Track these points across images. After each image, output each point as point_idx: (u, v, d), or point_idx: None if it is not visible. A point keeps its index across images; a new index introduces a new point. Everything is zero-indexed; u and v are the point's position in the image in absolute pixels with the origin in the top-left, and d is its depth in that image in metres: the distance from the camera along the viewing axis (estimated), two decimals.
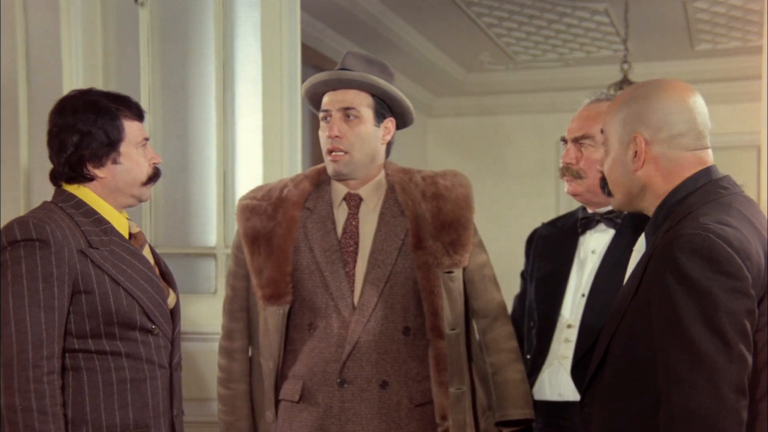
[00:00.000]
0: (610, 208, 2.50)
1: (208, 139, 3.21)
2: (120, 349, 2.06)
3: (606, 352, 1.83)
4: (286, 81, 3.13)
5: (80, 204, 2.09)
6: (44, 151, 2.15)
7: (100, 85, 3.13)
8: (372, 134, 2.42)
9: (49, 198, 2.15)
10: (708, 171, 1.82)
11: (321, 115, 2.45)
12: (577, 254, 2.54)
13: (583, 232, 2.54)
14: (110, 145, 2.09)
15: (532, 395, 2.49)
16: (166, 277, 2.25)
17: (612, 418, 1.81)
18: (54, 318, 1.96)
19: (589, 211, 2.55)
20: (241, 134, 3.19)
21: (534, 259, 2.66)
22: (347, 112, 2.39)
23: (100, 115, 2.08)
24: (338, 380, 2.36)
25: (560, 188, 7.18)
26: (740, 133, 5.91)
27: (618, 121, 1.86)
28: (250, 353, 2.51)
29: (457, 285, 2.43)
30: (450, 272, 2.41)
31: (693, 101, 1.83)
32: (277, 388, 2.43)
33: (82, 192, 2.11)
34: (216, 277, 3.17)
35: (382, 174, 2.50)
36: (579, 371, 2.31)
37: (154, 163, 2.19)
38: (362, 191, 2.46)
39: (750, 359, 1.64)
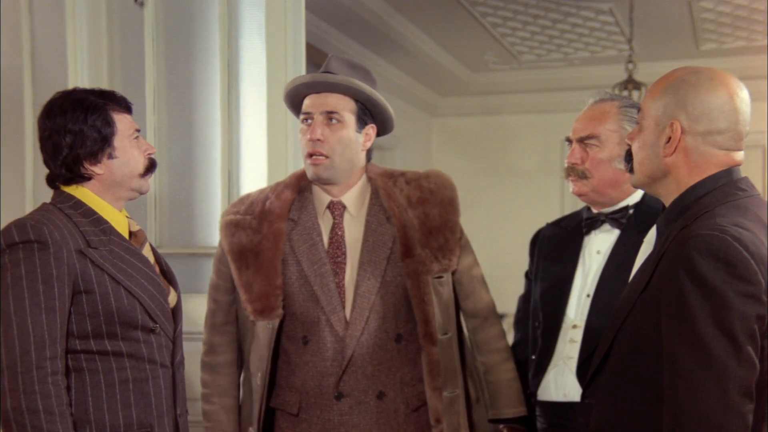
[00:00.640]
0: (615, 208, 2.50)
1: (213, 139, 3.21)
2: (122, 349, 2.05)
3: (611, 346, 1.83)
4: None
5: (79, 204, 2.09)
6: None
7: (105, 86, 3.14)
8: (353, 140, 2.39)
9: None
10: (730, 171, 1.80)
11: (301, 117, 2.41)
12: (582, 254, 2.53)
13: (588, 232, 2.54)
14: (104, 141, 2.09)
15: (524, 392, 2.52)
16: (167, 275, 2.25)
17: (613, 411, 1.81)
18: (55, 319, 1.96)
19: (594, 211, 2.55)
20: (246, 134, 3.19)
21: (538, 259, 2.66)
22: (330, 116, 2.36)
23: (89, 112, 2.07)
24: (335, 394, 2.35)
25: (565, 188, 7.18)
26: None
27: (660, 101, 1.82)
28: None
29: (447, 289, 2.43)
30: (440, 277, 2.40)
31: (740, 101, 1.80)
32: (268, 400, 2.41)
33: (81, 192, 2.11)
34: None
35: (364, 179, 2.46)
36: (584, 371, 2.31)
37: (149, 154, 2.18)
38: (345, 198, 2.43)
39: (758, 364, 1.64)
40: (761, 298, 1.64)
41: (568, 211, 3.11)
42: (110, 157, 2.11)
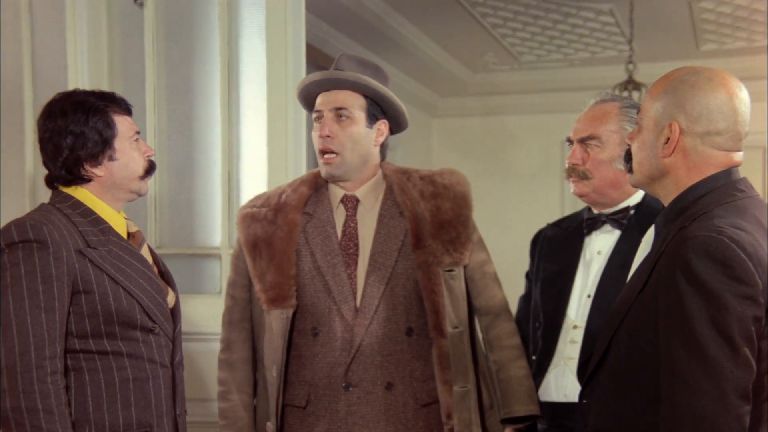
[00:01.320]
0: (616, 208, 2.50)
1: (213, 140, 3.21)
2: (121, 349, 2.06)
3: (609, 346, 1.83)
4: (290, 81, 3.12)
5: (77, 204, 2.09)
6: None
7: (105, 86, 3.14)
8: (364, 135, 2.42)
9: None
10: (729, 172, 1.80)
11: (314, 115, 2.46)
12: (582, 255, 2.53)
13: (589, 232, 2.54)
14: (104, 143, 2.09)
15: (536, 392, 2.49)
16: (165, 276, 2.25)
17: (611, 411, 1.81)
18: (55, 318, 1.96)
19: (595, 211, 2.55)
20: (246, 134, 3.19)
21: (539, 259, 2.66)
22: (339, 113, 2.40)
23: (90, 114, 2.08)
24: (343, 384, 2.36)
25: (565, 189, 7.18)
26: None
27: (660, 102, 1.82)
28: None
29: (459, 283, 2.43)
30: (451, 270, 2.41)
31: (739, 101, 1.79)
32: (283, 395, 2.42)
33: (80, 193, 2.11)
34: (220, 278, 3.17)
35: (380, 175, 2.50)
36: (585, 372, 2.31)
37: (148, 156, 2.19)
38: (358, 193, 2.46)
39: (755, 366, 1.64)
40: (758, 299, 1.64)
41: (568, 212, 3.11)
42: (111, 159, 2.11)
